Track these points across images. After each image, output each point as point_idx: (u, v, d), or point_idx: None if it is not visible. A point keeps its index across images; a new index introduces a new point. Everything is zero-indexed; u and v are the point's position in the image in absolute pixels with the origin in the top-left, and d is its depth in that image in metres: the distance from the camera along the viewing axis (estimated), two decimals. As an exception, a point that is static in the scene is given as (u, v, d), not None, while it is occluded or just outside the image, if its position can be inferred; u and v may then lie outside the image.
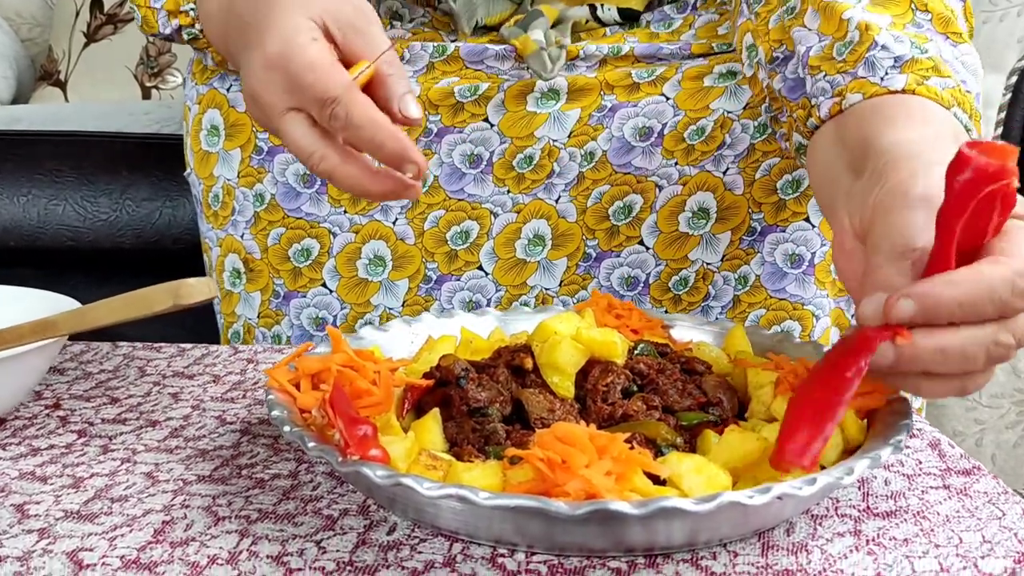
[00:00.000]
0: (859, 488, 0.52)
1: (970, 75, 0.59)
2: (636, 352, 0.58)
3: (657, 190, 0.77)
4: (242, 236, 0.82)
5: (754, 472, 0.47)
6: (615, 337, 0.55)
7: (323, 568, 0.44)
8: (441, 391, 0.56)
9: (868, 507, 0.50)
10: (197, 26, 0.64)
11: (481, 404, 0.53)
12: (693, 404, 0.54)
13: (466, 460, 0.49)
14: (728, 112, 0.75)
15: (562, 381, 0.54)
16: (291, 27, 0.49)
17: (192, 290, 0.48)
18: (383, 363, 0.56)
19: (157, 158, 1.12)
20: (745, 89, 0.75)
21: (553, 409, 0.52)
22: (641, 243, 0.78)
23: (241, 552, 0.46)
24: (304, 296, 0.81)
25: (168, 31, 0.65)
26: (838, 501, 0.51)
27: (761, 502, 0.41)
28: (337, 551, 0.46)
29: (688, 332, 0.68)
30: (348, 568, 0.44)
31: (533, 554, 0.45)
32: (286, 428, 0.49)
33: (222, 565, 0.45)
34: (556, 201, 0.78)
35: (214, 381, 0.69)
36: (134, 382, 0.69)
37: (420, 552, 0.46)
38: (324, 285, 0.81)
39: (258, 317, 0.83)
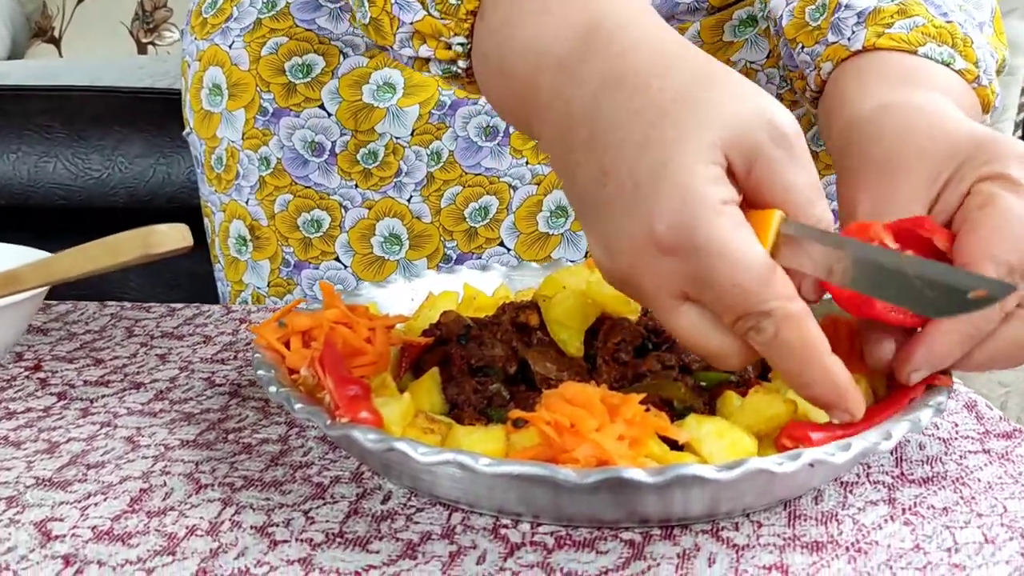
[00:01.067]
0: (892, 453, 0.48)
1: (969, 4, 0.53)
2: (650, 308, 0.54)
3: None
4: (247, 202, 0.78)
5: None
6: (628, 291, 0.51)
7: (311, 540, 0.41)
8: (441, 350, 0.52)
9: (903, 473, 0.46)
10: (461, 64, 0.44)
11: (483, 363, 0.49)
12: (712, 363, 0.50)
13: (467, 423, 0.46)
14: (751, 63, 0.71)
15: (571, 339, 0.50)
16: (689, 187, 0.33)
17: (164, 238, 0.44)
18: (379, 320, 0.52)
19: (150, 113, 1.08)
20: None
21: (561, 369, 0.49)
22: None
23: (222, 522, 0.42)
24: (316, 268, 0.78)
25: (406, 52, 0.45)
26: (869, 467, 0.47)
27: (790, 469, 0.37)
28: (327, 521, 0.42)
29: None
30: (338, 540, 0.41)
31: (539, 525, 0.42)
32: (272, 389, 0.45)
33: (201, 536, 0.41)
34: None
35: (204, 342, 0.66)
36: (120, 343, 0.65)
37: (416, 522, 0.42)
38: (338, 259, 0.77)
39: (268, 286, 0.79)
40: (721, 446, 0.41)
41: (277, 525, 0.42)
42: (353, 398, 0.42)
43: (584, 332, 0.51)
